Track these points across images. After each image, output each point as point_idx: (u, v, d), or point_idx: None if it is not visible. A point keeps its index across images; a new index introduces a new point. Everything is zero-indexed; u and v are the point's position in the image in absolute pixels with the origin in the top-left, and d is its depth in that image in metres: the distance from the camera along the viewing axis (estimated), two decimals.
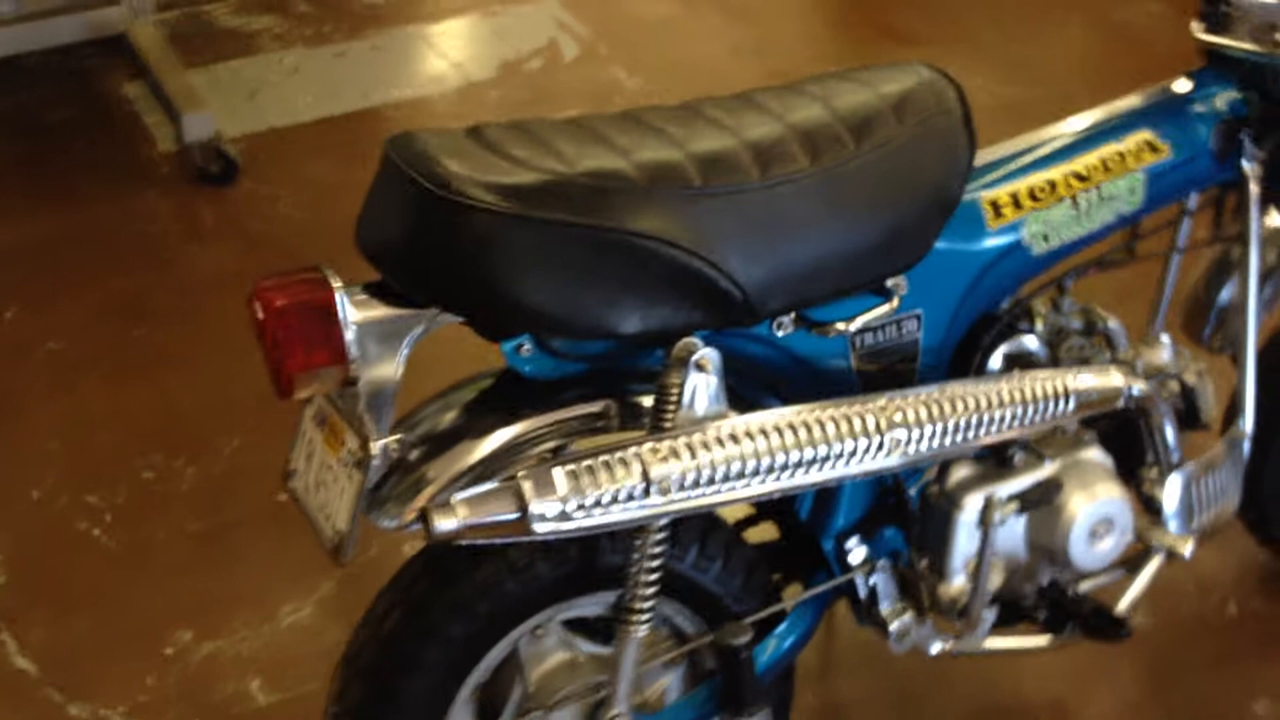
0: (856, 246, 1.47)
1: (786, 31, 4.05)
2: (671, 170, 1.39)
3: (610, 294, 1.36)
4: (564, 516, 1.29)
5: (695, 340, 1.40)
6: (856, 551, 1.68)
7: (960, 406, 1.47)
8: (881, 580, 1.70)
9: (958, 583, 1.68)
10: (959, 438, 1.48)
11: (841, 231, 1.46)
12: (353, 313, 1.34)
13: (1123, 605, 1.73)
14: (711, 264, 1.38)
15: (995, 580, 1.69)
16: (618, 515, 1.31)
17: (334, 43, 3.87)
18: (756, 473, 1.36)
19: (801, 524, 1.68)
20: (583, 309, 1.36)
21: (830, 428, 1.39)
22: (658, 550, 1.44)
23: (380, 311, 1.37)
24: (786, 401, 1.45)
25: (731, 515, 1.71)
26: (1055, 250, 1.70)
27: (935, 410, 1.46)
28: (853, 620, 1.77)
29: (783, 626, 1.69)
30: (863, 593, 1.71)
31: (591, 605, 1.59)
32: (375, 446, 1.36)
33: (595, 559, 1.52)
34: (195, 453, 2.49)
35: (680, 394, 1.39)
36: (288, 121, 3.49)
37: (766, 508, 1.81)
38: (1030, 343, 1.72)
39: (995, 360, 1.70)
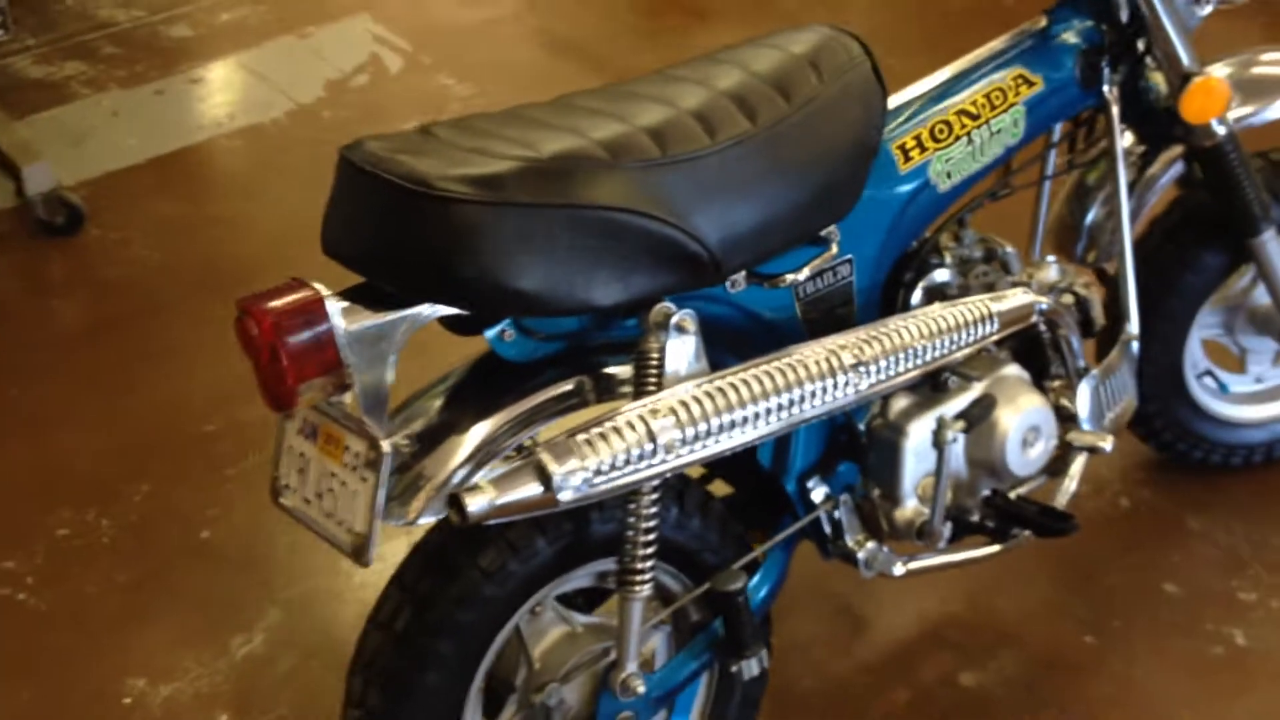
0: (802, 199, 1.56)
1: (599, 24, 4.14)
2: (632, 144, 1.45)
3: (592, 269, 1.41)
4: (586, 483, 1.35)
5: (669, 304, 1.47)
6: (818, 490, 1.79)
7: (907, 337, 1.59)
8: (844, 514, 1.80)
9: (910, 505, 1.79)
10: (909, 365, 1.58)
11: (789, 186, 1.55)
12: (341, 319, 1.37)
13: (1063, 502, 1.87)
14: (681, 230, 1.45)
15: (944, 499, 1.81)
16: (631, 475, 1.37)
17: (149, 81, 3.79)
18: (747, 420, 1.44)
19: (764, 471, 1.77)
20: (568, 287, 1.41)
21: (803, 369, 1.48)
22: (653, 511, 1.51)
23: (367, 315, 1.39)
24: (743, 358, 1.53)
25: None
26: (957, 186, 1.82)
27: (889, 343, 1.56)
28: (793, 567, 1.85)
29: (758, 575, 1.77)
30: (828, 528, 1.81)
31: (584, 577, 1.65)
32: (386, 445, 1.38)
33: (588, 530, 1.58)
34: (105, 504, 2.44)
35: (662, 356, 1.46)
36: (121, 164, 3.42)
37: (719, 463, 1.89)
38: (943, 275, 1.85)
39: (916, 295, 1.82)
